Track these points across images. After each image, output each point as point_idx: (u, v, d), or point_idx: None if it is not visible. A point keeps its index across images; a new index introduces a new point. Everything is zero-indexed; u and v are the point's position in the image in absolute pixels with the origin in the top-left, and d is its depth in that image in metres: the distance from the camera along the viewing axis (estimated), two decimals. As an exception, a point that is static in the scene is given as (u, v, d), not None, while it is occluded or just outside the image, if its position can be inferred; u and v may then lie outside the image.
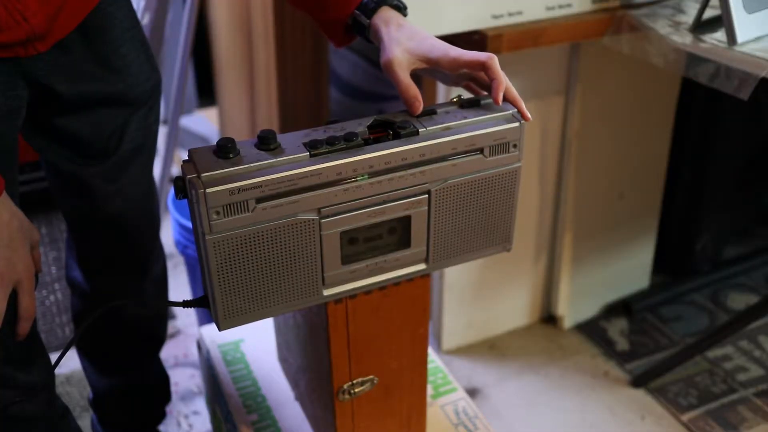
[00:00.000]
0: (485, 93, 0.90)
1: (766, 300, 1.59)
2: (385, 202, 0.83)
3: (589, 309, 1.87)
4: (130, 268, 1.17)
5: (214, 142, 0.78)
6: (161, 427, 1.45)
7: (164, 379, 1.38)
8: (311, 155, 0.78)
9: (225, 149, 0.76)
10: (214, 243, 0.76)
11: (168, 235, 2.05)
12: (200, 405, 1.60)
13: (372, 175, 0.80)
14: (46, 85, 0.90)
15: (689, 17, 1.30)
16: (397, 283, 0.92)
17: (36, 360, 0.93)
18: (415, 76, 0.88)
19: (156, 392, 1.38)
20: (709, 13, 1.25)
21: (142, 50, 1.01)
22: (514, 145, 0.86)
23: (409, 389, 1.05)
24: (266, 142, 0.78)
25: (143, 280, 1.19)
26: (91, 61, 0.93)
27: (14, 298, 0.84)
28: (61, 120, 0.95)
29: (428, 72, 0.90)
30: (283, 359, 1.22)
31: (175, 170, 2.26)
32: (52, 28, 0.85)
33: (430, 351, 1.17)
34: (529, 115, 0.86)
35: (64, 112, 0.95)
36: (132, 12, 0.99)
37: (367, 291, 0.91)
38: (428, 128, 0.82)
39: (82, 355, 1.29)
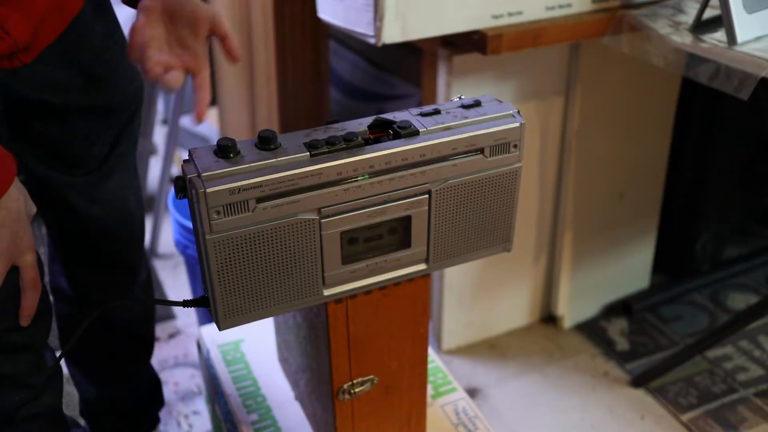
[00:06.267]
0: None
1: (766, 300, 1.59)
2: (385, 202, 0.83)
3: (589, 309, 1.87)
4: (119, 274, 1.16)
5: (214, 142, 0.78)
6: (161, 427, 1.45)
7: (156, 386, 1.37)
8: (311, 155, 0.78)
9: (225, 149, 0.76)
10: (215, 243, 0.76)
11: (168, 235, 2.05)
12: (200, 405, 1.60)
13: (372, 175, 0.80)
14: (24, 95, 0.89)
15: (689, 17, 1.31)
16: (397, 283, 0.92)
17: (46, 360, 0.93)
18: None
19: (148, 399, 1.36)
20: (709, 13, 1.25)
21: (124, 54, 1.00)
22: (515, 145, 0.86)
23: (409, 389, 1.04)
24: (266, 142, 0.78)
25: (133, 285, 1.18)
26: (71, 70, 0.92)
27: (12, 281, 0.82)
28: (42, 129, 0.95)
29: None
30: (283, 359, 1.22)
31: (175, 170, 2.26)
32: (35, 40, 0.85)
33: (430, 351, 1.17)
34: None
35: (45, 121, 0.94)
36: (113, 16, 0.99)
37: (367, 291, 0.91)
38: (428, 128, 0.82)
39: (70, 363, 1.28)
